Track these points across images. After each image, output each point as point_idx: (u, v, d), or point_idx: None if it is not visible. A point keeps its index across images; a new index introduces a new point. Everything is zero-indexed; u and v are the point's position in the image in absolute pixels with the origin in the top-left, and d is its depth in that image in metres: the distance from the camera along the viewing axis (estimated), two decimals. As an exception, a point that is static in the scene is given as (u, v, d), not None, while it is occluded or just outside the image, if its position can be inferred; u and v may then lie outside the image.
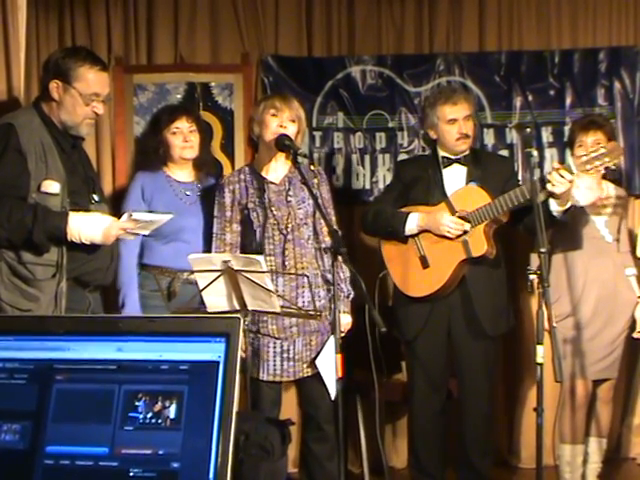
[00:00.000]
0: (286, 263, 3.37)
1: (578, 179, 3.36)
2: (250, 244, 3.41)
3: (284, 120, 3.37)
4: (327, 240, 3.38)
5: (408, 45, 4.43)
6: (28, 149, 2.73)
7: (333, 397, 3.23)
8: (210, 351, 1.34)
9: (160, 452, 1.29)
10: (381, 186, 4.34)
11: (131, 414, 1.31)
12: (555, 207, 3.41)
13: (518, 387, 4.36)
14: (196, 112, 3.90)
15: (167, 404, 1.31)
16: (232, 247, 3.41)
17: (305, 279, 3.31)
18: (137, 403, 1.31)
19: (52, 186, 2.76)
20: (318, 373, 3.34)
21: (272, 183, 3.44)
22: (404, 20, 4.42)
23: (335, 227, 3.26)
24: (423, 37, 4.42)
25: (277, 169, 3.46)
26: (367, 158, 4.42)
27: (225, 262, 2.98)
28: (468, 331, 3.59)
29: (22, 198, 2.73)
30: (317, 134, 4.38)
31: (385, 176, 4.37)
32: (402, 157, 4.33)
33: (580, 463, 3.73)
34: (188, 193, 3.65)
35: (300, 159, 3.17)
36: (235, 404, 1.31)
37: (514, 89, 4.37)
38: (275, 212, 3.39)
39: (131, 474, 1.29)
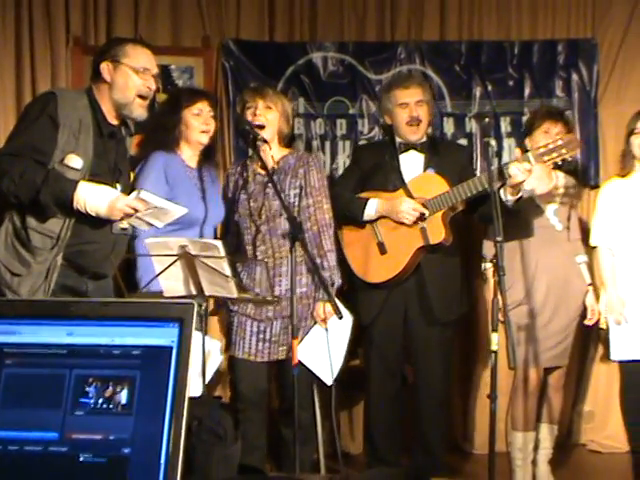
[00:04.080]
0: (257, 253, 3.39)
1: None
2: (239, 237, 3.47)
3: (259, 109, 3.38)
4: (314, 229, 3.43)
5: (370, 32, 4.44)
6: (63, 121, 2.74)
7: (330, 383, 3.29)
8: (163, 336, 1.32)
9: (111, 437, 1.28)
10: (341, 172, 4.34)
11: (82, 399, 1.30)
12: (507, 197, 3.45)
13: (472, 373, 4.42)
14: (215, 99, 3.73)
15: (118, 389, 1.29)
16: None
17: (283, 268, 3.34)
18: (88, 388, 1.30)
19: (75, 161, 2.75)
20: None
21: (258, 174, 3.44)
22: (366, 7, 4.42)
23: (295, 216, 3.26)
24: (385, 25, 4.43)
25: (267, 160, 3.36)
26: (327, 144, 4.42)
27: (182, 247, 2.95)
28: (423, 317, 3.63)
29: (42, 164, 2.72)
30: (277, 120, 4.37)
31: (345, 162, 4.38)
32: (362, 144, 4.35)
33: (531, 449, 3.79)
34: (201, 179, 3.44)
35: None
36: (187, 390, 1.30)
37: (474, 79, 4.41)
38: (252, 204, 3.40)
39: (81, 459, 1.28)
